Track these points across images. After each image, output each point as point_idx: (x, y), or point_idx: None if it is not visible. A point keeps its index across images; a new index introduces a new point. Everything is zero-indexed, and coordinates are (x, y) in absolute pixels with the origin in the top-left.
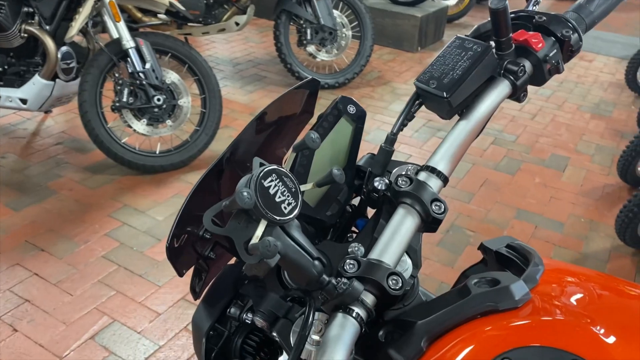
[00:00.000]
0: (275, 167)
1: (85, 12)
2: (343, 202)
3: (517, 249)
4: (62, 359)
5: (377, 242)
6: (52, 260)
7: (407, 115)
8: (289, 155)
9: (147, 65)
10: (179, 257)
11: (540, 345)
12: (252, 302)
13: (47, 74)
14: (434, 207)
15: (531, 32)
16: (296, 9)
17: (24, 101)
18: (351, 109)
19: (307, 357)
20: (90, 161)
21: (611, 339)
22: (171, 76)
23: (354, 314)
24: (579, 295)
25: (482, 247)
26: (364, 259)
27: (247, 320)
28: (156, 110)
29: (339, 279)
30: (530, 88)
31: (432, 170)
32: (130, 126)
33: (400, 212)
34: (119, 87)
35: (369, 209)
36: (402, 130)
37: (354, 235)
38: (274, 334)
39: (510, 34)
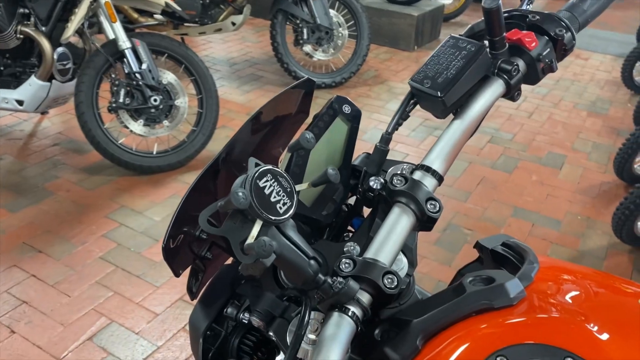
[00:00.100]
0: (270, 167)
1: (81, 13)
2: (339, 202)
3: (512, 247)
4: None
5: (373, 241)
6: (49, 261)
7: (402, 115)
8: (284, 156)
9: (144, 66)
10: (175, 258)
11: (535, 342)
12: (248, 302)
13: (43, 75)
14: (429, 206)
15: (524, 32)
16: (292, 9)
17: (20, 102)
18: (346, 108)
19: (303, 356)
20: (87, 162)
21: (606, 336)
22: (168, 76)
23: (349, 313)
24: (573, 293)
25: (477, 246)
26: (360, 258)
27: (244, 320)
28: (153, 110)
29: (334, 278)
30: (526, 87)
31: (427, 170)
32: (127, 127)
33: (395, 211)
34: (115, 88)
35: (364, 208)
36: (397, 129)
37: (350, 234)
38: (271, 334)
39: (504, 33)
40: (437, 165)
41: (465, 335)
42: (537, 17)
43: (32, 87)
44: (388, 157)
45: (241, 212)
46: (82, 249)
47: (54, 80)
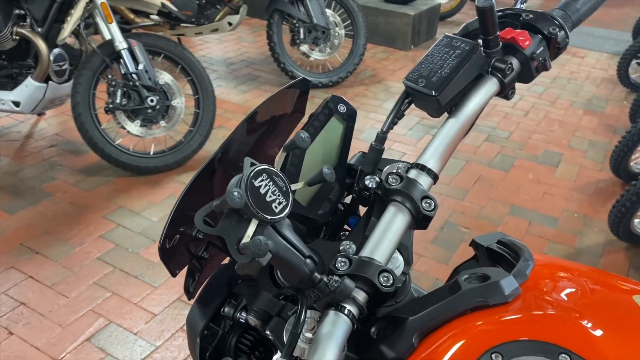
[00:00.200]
0: (265, 166)
1: (77, 13)
2: (335, 201)
3: (507, 244)
4: None
5: (369, 240)
6: (47, 262)
7: (397, 114)
8: (280, 155)
9: (140, 67)
10: (171, 258)
11: (529, 339)
12: (245, 301)
13: (39, 76)
14: (424, 205)
15: (518, 30)
16: (289, 9)
17: (16, 104)
18: (342, 108)
19: (300, 354)
20: (84, 163)
21: (600, 332)
22: (164, 77)
23: (345, 311)
24: (568, 290)
25: (473, 244)
26: (355, 257)
27: (241, 319)
28: (150, 111)
29: (330, 276)
30: (522, 85)
31: (422, 168)
32: (124, 127)
33: (391, 210)
34: (112, 89)
35: (360, 207)
36: (392, 128)
37: (347, 233)
38: (268, 333)
39: (498, 32)
40: (432, 163)
41: (460, 333)
42: (531, 15)
43: (28, 88)
44: (383, 156)
45: (237, 212)
46: (79, 250)
47: (50, 82)
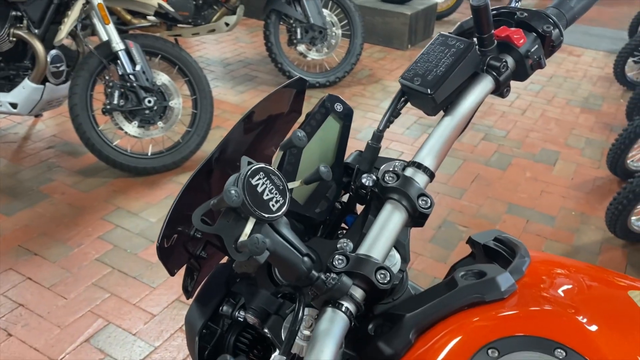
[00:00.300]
0: (262, 165)
1: (74, 15)
2: (332, 199)
3: (504, 241)
4: None
5: (366, 238)
6: (45, 264)
7: (393, 112)
8: (277, 154)
9: (137, 67)
10: (170, 257)
11: (525, 334)
12: (244, 300)
13: (36, 77)
14: (420, 202)
15: (513, 29)
16: (286, 9)
17: (14, 105)
18: (338, 107)
19: (298, 351)
20: (82, 164)
21: (595, 328)
22: (162, 78)
23: (343, 309)
24: (564, 286)
25: (470, 241)
26: (353, 254)
27: (239, 318)
28: (147, 112)
29: (328, 274)
30: (520, 84)
31: (419, 166)
32: (121, 128)
33: (387, 208)
34: (109, 90)
35: (357, 205)
36: (388, 127)
37: (344, 231)
38: (266, 331)
39: (492, 31)
40: (428, 161)
41: (457, 329)
42: (525, 14)
43: (25, 89)
44: (380, 155)
45: (234, 210)
46: (78, 251)
47: (47, 83)
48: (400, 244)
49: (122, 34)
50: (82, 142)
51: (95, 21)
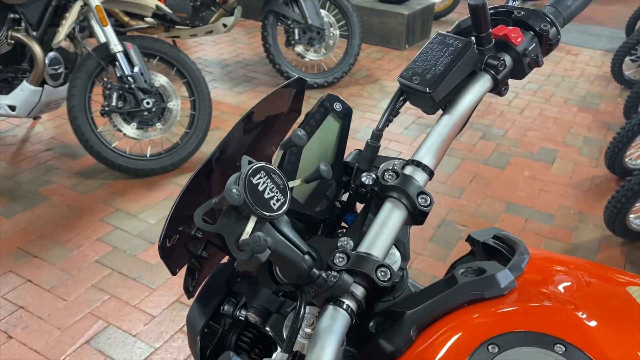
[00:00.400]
0: (263, 164)
1: (72, 17)
2: (332, 198)
3: (503, 239)
4: None
5: (366, 236)
6: (45, 266)
7: (392, 111)
8: (277, 153)
9: (136, 69)
10: (171, 257)
11: (525, 330)
12: (245, 299)
13: (35, 80)
14: (420, 200)
15: (510, 27)
16: (283, 10)
17: (12, 108)
18: (337, 106)
19: (299, 349)
20: (80, 166)
21: (594, 323)
22: (160, 79)
23: (344, 306)
24: (563, 282)
25: (469, 239)
26: (353, 253)
27: (240, 317)
28: (146, 113)
29: (328, 272)
30: (518, 83)
31: (418, 165)
32: (120, 130)
33: (387, 206)
34: (107, 92)
35: (357, 204)
36: (387, 126)
37: (345, 230)
38: (267, 329)
39: (490, 30)
40: (427, 160)
41: (457, 325)
42: (523, 12)
43: (24, 92)
44: (379, 154)
45: (235, 209)
46: (77, 253)
47: (46, 85)
48: (400, 242)
49: (120, 35)
50: (81, 144)
51: (93, 23)
